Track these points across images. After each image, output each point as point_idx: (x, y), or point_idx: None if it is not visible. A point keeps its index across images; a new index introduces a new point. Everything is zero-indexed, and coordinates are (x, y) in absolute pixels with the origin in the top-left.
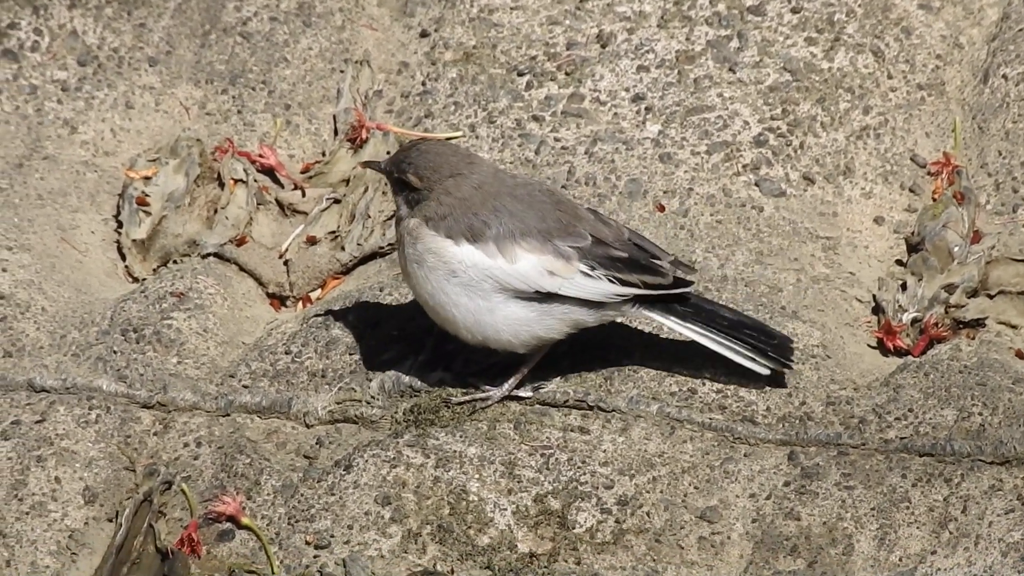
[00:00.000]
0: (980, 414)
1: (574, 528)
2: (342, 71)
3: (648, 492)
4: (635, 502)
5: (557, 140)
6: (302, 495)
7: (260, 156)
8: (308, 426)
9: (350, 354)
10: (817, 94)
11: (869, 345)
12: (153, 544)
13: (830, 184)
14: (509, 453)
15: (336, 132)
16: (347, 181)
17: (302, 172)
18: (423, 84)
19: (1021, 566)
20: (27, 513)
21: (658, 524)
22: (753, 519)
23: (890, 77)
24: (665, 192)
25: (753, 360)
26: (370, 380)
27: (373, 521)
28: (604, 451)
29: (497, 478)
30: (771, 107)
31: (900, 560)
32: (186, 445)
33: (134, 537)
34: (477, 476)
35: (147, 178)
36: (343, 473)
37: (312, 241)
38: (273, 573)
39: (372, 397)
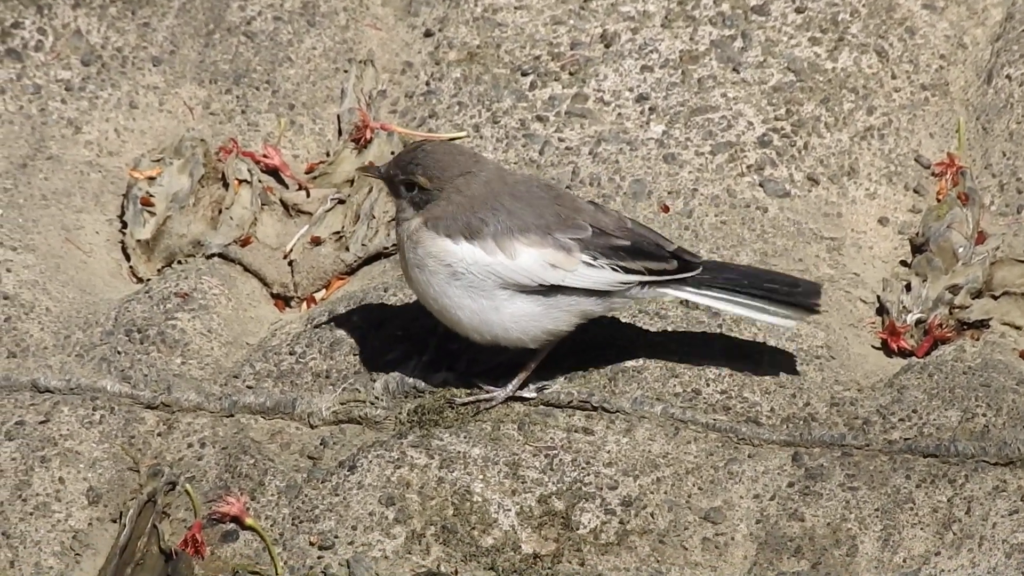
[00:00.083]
0: (984, 415)
1: (578, 529)
2: (346, 71)
3: (652, 493)
4: (639, 503)
5: (561, 140)
6: (306, 496)
7: (264, 156)
8: (312, 427)
9: (354, 355)
10: (821, 94)
11: (873, 346)
12: (157, 545)
13: (834, 185)
14: (513, 454)
15: (340, 132)
16: (351, 181)
17: (306, 172)
18: (427, 84)
19: None
20: (31, 514)
21: (662, 525)
22: (757, 520)
23: (894, 77)
24: (669, 193)
25: (778, 314)
26: (374, 381)
27: (377, 522)
28: (608, 452)
29: (501, 479)
30: (775, 107)
31: (904, 561)
32: (190, 446)
33: (138, 538)
34: (481, 477)
35: (151, 178)
36: (347, 474)
37: (316, 242)
38: (277, 574)
39: (376, 398)
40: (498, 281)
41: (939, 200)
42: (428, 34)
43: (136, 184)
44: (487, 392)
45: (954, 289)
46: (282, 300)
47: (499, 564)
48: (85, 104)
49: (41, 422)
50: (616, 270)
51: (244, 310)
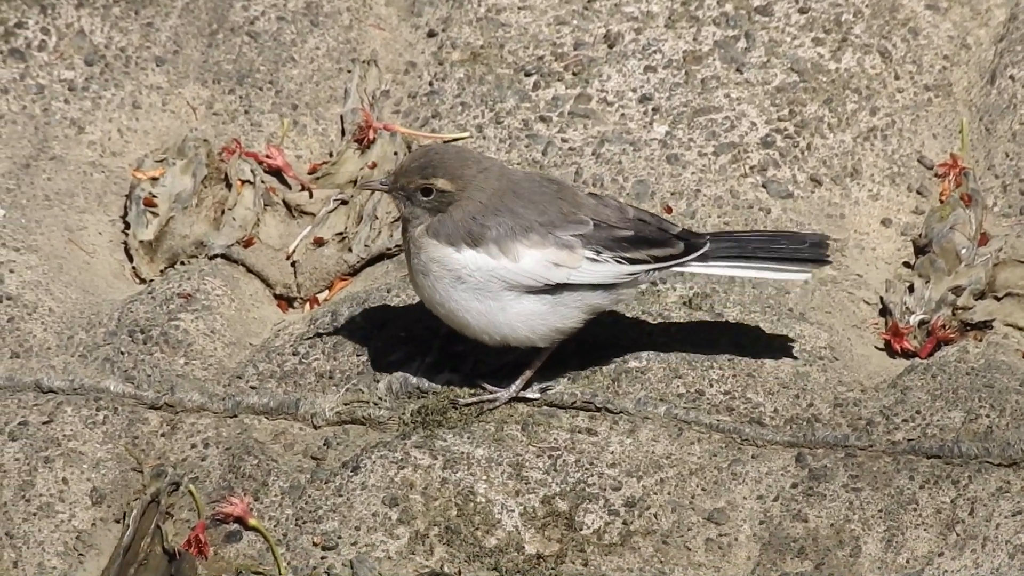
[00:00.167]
0: (987, 416)
1: (581, 529)
2: (349, 71)
3: (655, 494)
4: (642, 504)
5: (564, 141)
6: (309, 496)
7: (267, 157)
8: (316, 427)
9: (357, 355)
10: (824, 95)
11: (876, 347)
12: (160, 545)
13: (837, 186)
14: (517, 454)
15: (343, 132)
16: (354, 182)
17: (309, 173)
18: (430, 84)
19: None
20: (34, 514)
21: (665, 526)
22: (760, 521)
23: (897, 78)
24: (672, 193)
25: (789, 271)
26: (377, 381)
27: (380, 522)
28: (612, 452)
29: (505, 479)
30: (778, 108)
31: (907, 562)
32: (193, 446)
33: (141, 538)
34: (485, 477)
35: (154, 179)
36: (350, 474)
37: (319, 242)
38: (280, 574)
39: (380, 398)
40: (503, 284)
41: (942, 201)
42: (431, 34)
43: (139, 184)
44: (491, 393)
45: (957, 290)
46: (285, 301)
47: (502, 565)
48: (88, 104)
49: (44, 422)
50: (620, 262)
51: (247, 311)
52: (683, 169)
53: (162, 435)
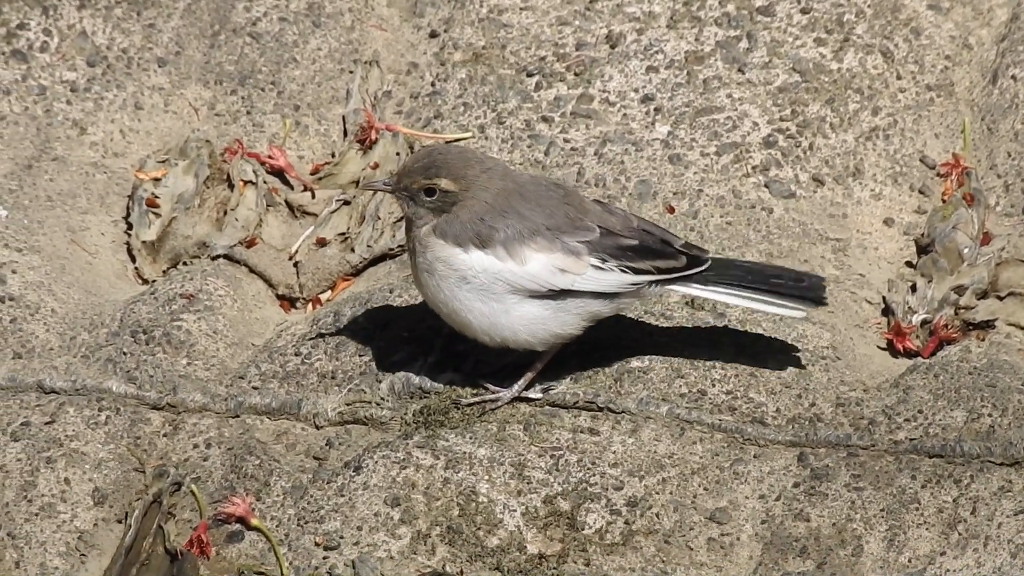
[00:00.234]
0: (990, 415)
1: (583, 529)
2: (351, 72)
3: (658, 493)
4: (644, 503)
5: (567, 141)
6: (312, 496)
7: (269, 157)
8: (318, 427)
9: (360, 355)
10: (826, 95)
11: (879, 347)
12: (162, 545)
13: (839, 185)
14: (519, 454)
15: (345, 133)
16: (357, 182)
17: (311, 173)
18: (432, 85)
19: None
20: (36, 514)
21: (667, 525)
22: (762, 520)
23: (899, 78)
24: (675, 193)
25: (785, 307)
26: (380, 381)
27: (383, 522)
28: (614, 452)
29: (507, 479)
30: (780, 108)
31: (909, 561)
32: (196, 446)
33: (143, 538)
34: (487, 477)
35: (156, 179)
36: (353, 474)
37: (322, 243)
38: (282, 574)
39: (382, 398)
40: (508, 287)
41: (944, 201)
42: (433, 35)
43: (141, 185)
44: (493, 393)
45: (959, 290)
46: (287, 301)
47: (504, 564)
48: (90, 105)
49: (47, 423)
50: (625, 271)
51: (249, 311)
52: (685, 169)
53: (164, 435)
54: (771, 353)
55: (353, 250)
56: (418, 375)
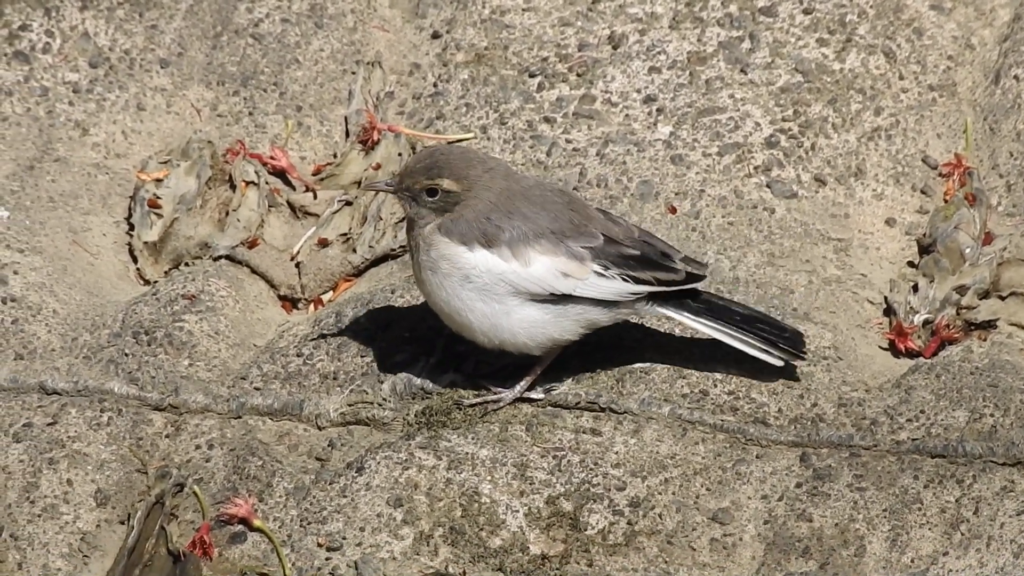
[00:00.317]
0: (992, 415)
1: (586, 530)
2: (353, 73)
3: (660, 494)
4: (647, 504)
5: (569, 142)
6: (314, 497)
7: (271, 158)
8: (320, 428)
9: (362, 356)
10: (828, 95)
11: (881, 347)
12: (165, 546)
13: (841, 186)
14: (521, 455)
15: (347, 134)
16: (359, 183)
17: (313, 174)
18: (435, 86)
19: None
20: (39, 516)
21: (670, 526)
22: (765, 520)
23: (901, 78)
24: (677, 194)
25: (767, 352)
26: (382, 382)
27: (385, 523)
28: (616, 453)
29: (509, 480)
30: (782, 108)
31: (912, 561)
32: (198, 447)
33: (146, 539)
34: (489, 478)
35: (159, 180)
36: (355, 475)
37: (324, 243)
38: (285, 575)
39: (384, 399)
40: (510, 288)
41: (946, 201)
42: (436, 36)
43: (143, 186)
44: (495, 393)
45: (961, 290)
46: (289, 302)
47: (507, 565)
48: (92, 106)
49: (49, 424)
50: (626, 280)
51: (251, 312)
52: (687, 169)
53: (166, 436)
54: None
55: (355, 251)
56: (420, 376)
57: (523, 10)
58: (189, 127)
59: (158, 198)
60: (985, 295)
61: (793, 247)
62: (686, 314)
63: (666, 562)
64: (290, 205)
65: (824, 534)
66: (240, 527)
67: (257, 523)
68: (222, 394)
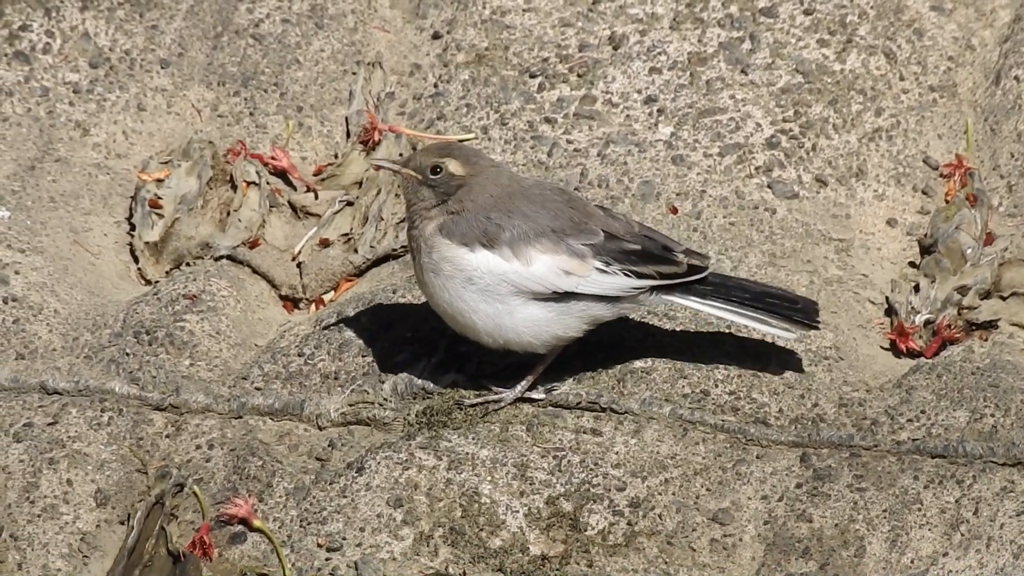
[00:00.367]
0: (992, 416)
1: (586, 530)
2: (354, 73)
3: (660, 494)
4: (647, 504)
5: (569, 142)
6: (314, 497)
7: (272, 158)
8: (320, 428)
9: (363, 356)
10: (829, 96)
11: (882, 347)
12: (165, 547)
13: (843, 186)
14: (521, 455)
15: (348, 134)
16: (360, 183)
17: (314, 174)
18: (435, 86)
19: None
20: (39, 516)
21: (670, 526)
22: (765, 521)
23: (902, 79)
24: (678, 194)
25: (780, 327)
26: (383, 382)
27: (385, 523)
28: (616, 453)
29: (509, 480)
30: (783, 109)
31: (912, 562)
32: (198, 447)
33: (146, 540)
34: (489, 478)
35: (159, 180)
36: (355, 475)
37: (325, 243)
38: None
39: (385, 399)
40: (512, 288)
41: (947, 201)
42: (436, 36)
43: (144, 186)
44: (496, 393)
45: (962, 290)
46: (290, 302)
47: (507, 566)
48: (93, 106)
49: (49, 424)
50: (628, 275)
51: (252, 312)
52: (688, 170)
53: (167, 436)
54: (774, 353)
55: (356, 251)
56: (421, 376)
57: (524, 11)
58: (190, 127)
59: (159, 198)
60: (986, 295)
61: (794, 247)
62: (693, 298)
63: (666, 563)
64: (291, 205)
65: (824, 535)
66: (240, 527)
67: (257, 523)
68: (223, 394)
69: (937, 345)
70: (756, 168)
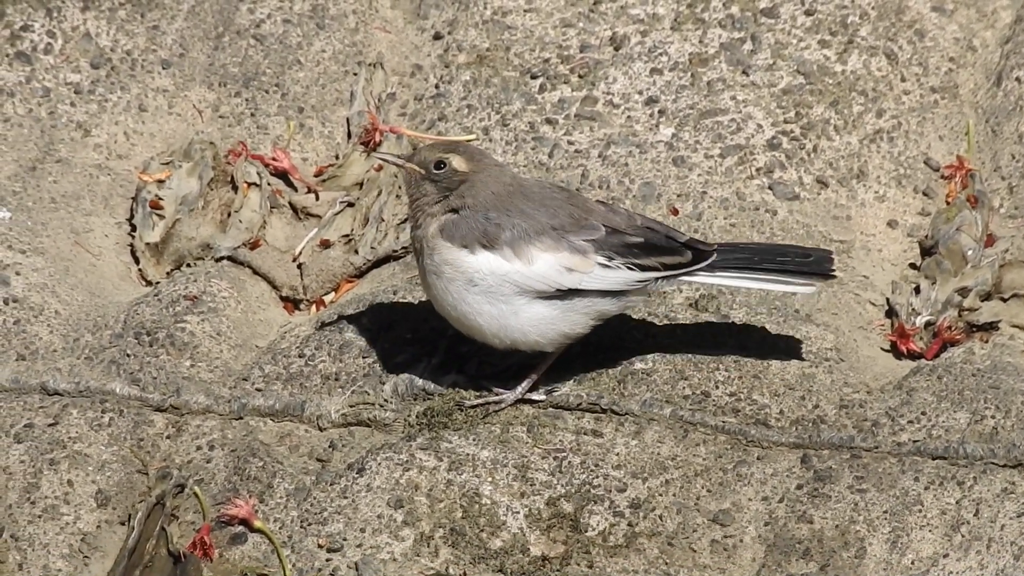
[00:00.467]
0: (993, 417)
1: (586, 531)
2: (355, 74)
3: (661, 495)
4: (648, 505)
5: (571, 143)
6: (315, 498)
7: (273, 159)
8: (321, 429)
9: (363, 357)
10: (830, 97)
11: (882, 348)
12: (165, 547)
13: (843, 187)
14: (522, 456)
15: (349, 135)
16: (360, 184)
17: (315, 175)
18: (436, 87)
19: None
20: (40, 516)
21: (671, 527)
22: (766, 522)
23: (903, 80)
24: (679, 195)
25: (794, 283)
26: (383, 383)
27: (386, 524)
28: (617, 454)
29: (510, 481)
30: (784, 110)
31: (912, 563)
32: (199, 448)
33: (146, 540)
34: (490, 479)
35: (160, 181)
36: (356, 476)
37: (326, 244)
38: None
39: (385, 400)
40: (515, 288)
41: (948, 203)
42: (437, 37)
43: (145, 187)
44: (496, 394)
45: (963, 291)
46: (291, 303)
47: (508, 566)
48: (94, 107)
49: (50, 425)
50: (632, 268)
51: (253, 313)
52: (689, 171)
53: (167, 437)
54: (775, 355)
55: (357, 252)
56: (422, 377)
57: (525, 11)
58: (191, 128)
59: (160, 199)
60: (987, 297)
61: None
62: (702, 274)
63: (667, 563)
64: (292, 206)
65: (825, 536)
66: (241, 528)
67: (258, 524)
68: (223, 395)
69: (938, 347)
70: (757, 169)
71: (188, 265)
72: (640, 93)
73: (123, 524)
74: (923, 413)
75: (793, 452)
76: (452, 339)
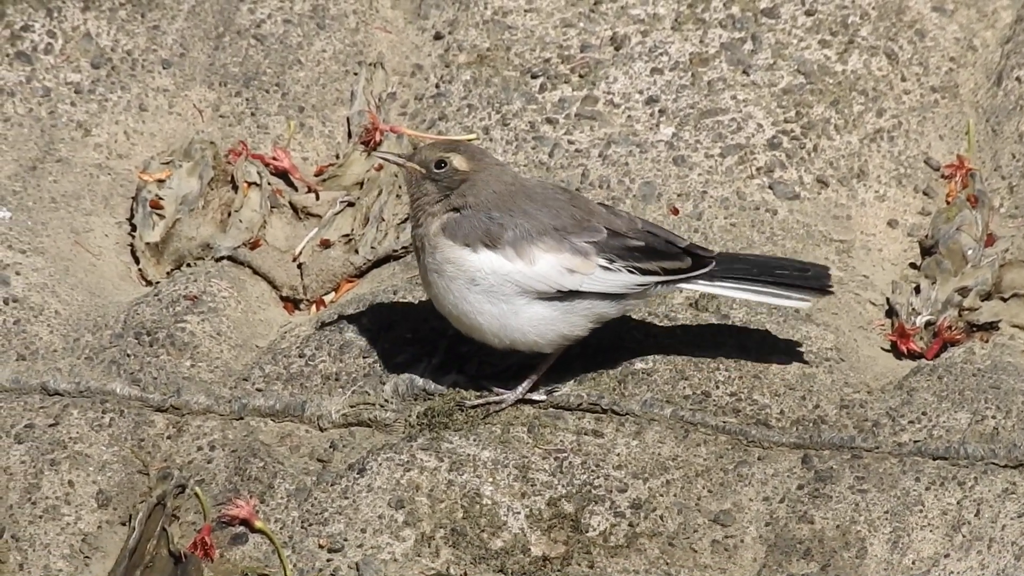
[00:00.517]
0: (994, 417)
1: (587, 532)
2: (356, 73)
3: (662, 495)
4: (648, 505)
5: (571, 143)
6: (315, 498)
7: (274, 159)
8: (322, 429)
9: (364, 357)
10: (831, 97)
11: (883, 348)
12: (166, 548)
13: (844, 187)
14: (523, 456)
15: (350, 135)
16: (361, 184)
17: (316, 175)
18: (437, 86)
19: None
20: (40, 517)
21: (671, 527)
22: (766, 522)
23: (904, 80)
24: (679, 195)
25: (790, 298)
26: (384, 383)
27: (386, 524)
28: (618, 454)
29: (511, 481)
30: (785, 110)
31: (913, 563)
32: (199, 448)
33: (147, 541)
34: (491, 479)
35: (161, 181)
36: (357, 476)
37: (326, 244)
38: None
39: (386, 400)
40: (516, 288)
41: (948, 202)
42: (438, 36)
43: (145, 187)
44: (497, 395)
45: (963, 291)
46: (291, 303)
47: (508, 567)
48: (94, 107)
49: (51, 425)
50: (633, 272)
51: (253, 313)
52: (690, 171)
53: (168, 437)
54: (775, 355)
55: (357, 252)
56: (422, 377)
57: (525, 11)
58: (191, 128)
59: (160, 199)
60: (987, 297)
61: (795, 248)
62: (701, 282)
63: (667, 564)
64: (292, 206)
65: (826, 536)
66: (241, 528)
67: (258, 524)
68: (224, 395)
69: (938, 346)
70: (757, 169)
71: (188, 265)
72: (640, 93)
73: (124, 524)
74: (924, 413)
75: (794, 452)
76: (452, 339)
